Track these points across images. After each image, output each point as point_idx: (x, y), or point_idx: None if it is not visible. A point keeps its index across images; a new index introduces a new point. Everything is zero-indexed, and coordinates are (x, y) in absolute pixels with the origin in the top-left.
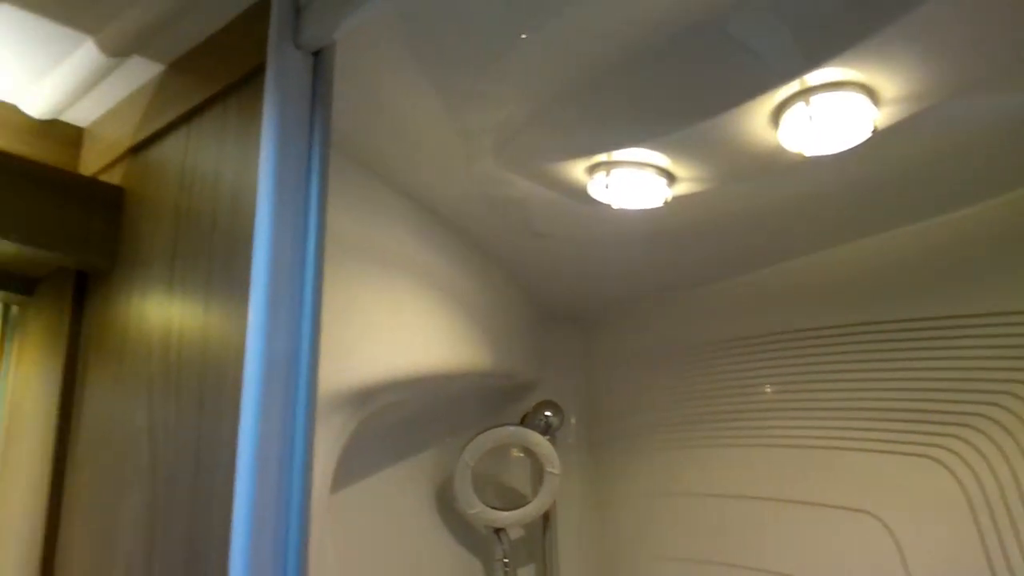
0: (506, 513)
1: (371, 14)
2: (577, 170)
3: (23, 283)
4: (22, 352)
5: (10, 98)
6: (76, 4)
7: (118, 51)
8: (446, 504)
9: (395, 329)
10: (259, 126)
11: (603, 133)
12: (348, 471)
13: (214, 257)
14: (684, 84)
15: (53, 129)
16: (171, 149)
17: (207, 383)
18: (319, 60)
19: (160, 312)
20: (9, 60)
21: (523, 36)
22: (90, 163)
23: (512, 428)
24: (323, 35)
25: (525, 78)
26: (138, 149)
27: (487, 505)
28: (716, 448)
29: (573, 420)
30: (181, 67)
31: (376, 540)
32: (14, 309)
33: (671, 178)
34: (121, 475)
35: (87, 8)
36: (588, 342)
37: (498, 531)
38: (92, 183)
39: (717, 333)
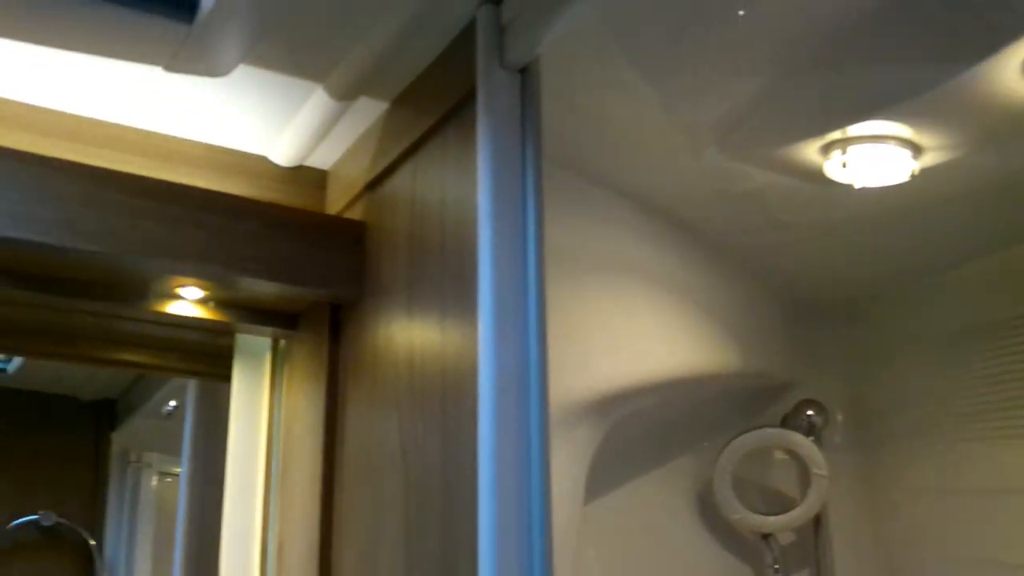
0: (772, 518)
1: (572, 23)
2: (810, 151)
3: (287, 319)
4: (291, 382)
5: (259, 150)
6: (301, 55)
7: (346, 95)
8: (708, 510)
9: (631, 335)
10: (475, 149)
11: (835, 108)
12: (602, 481)
13: (444, 279)
14: (921, 41)
15: (300, 175)
16: (401, 181)
17: (447, 401)
18: (525, 77)
19: (403, 336)
20: (253, 115)
21: (740, 13)
22: (334, 202)
23: (772, 430)
24: (527, 51)
25: (745, 60)
26: (373, 185)
27: (751, 510)
28: (1008, 440)
29: (839, 417)
30: (403, 102)
31: (638, 548)
32: (281, 343)
33: (916, 149)
34: (380, 494)
35: (311, 57)
36: (847, 335)
37: (766, 537)
38: (337, 221)
39: (996, 311)
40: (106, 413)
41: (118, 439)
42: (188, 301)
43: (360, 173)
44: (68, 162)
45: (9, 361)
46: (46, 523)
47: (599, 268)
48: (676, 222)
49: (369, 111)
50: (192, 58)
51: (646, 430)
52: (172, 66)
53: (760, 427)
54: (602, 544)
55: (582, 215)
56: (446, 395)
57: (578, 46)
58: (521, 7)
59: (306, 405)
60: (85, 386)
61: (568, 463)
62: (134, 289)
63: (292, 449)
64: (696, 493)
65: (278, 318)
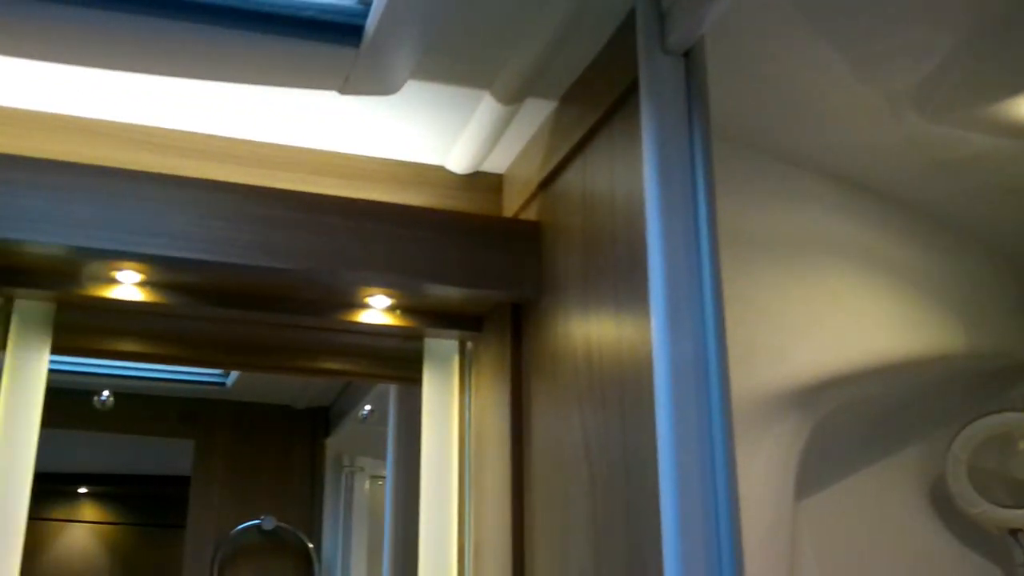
0: (1021, 511)
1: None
2: None
3: (471, 321)
4: (478, 382)
5: (435, 161)
6: (465, 65)
7: (513, 98)
8: (943, 505)
9: (834, 318)
10: (641, 139)
11: None
12: (817, 475)
13: (617, 272)
14: None
15: (477, 181)
16: (572, 178)
17: (626, 395)
18: (690, 60)
19: (580, 331)
20: (426, 127)
21: None
22: (510, 205)
23: (1013, 414)
24: (689, 34)
25: (942, 15)
26: (546, 184)
27: (995, 503)
28: None
29: None
30: (570, 99)
31: (864, 545)
32: (468, 345)
33: None
34: (566, 489)
35: (476, 66)
36: None
37: (1015, 532)
38: (513, 223)
39: None
40: (319, 420)
41: (331, 445)
42: (377, 310)
43: (533, 173)
44: (260, 187)
45: (227, 375)
46: (267, 527)
47: (792, 249)
48: (877, 195)
49: (538, 111)
50: (363, 80)
51: (864, 420)
52: (345, 89)
53: (996, 412)
54: (822, 542)
55: (768, 195)
56: (624, 389)
57: (755, 18)
58: None
59: (493, 404)
60: (299, 396)
61: (772, 457)
62: (327, 302)
63: (483, 448)
64: (927, 486)
65: (463, 321)
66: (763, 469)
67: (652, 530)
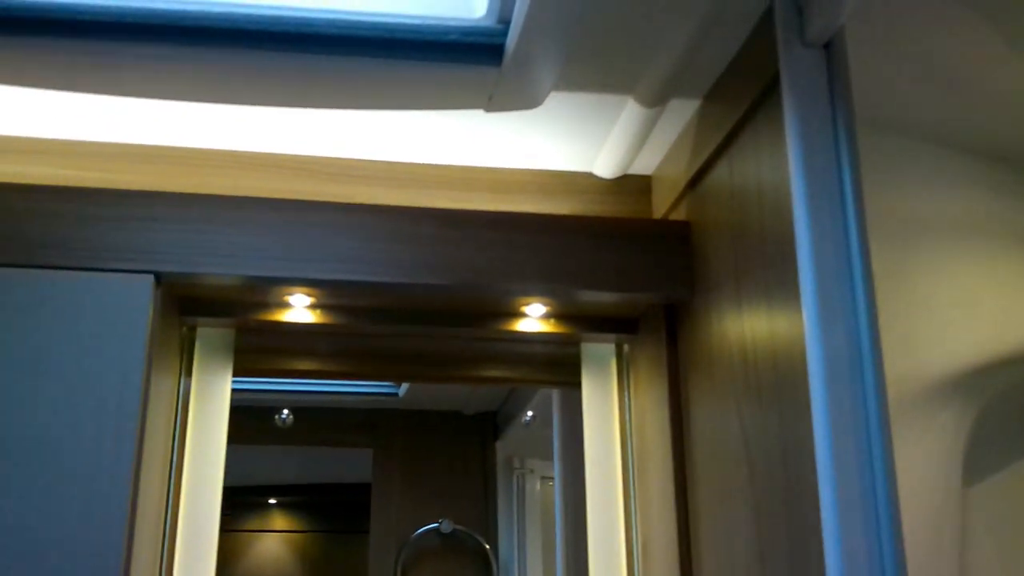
0: None
1: None
2: None
3: (626, 324)
4: (637, 383)
5: (583, 168)
6: (606, 72)
7: (655, 101)
8: None
9: (995, 302)
10: (784, 136)
11: None
12: (989, 459)
13: (768, 267)
14: None
15: (625, 184)
16: (719, 176)
17: (782, 389)
18: (830, 51)
19: (734, 328)
20: (571, 136)
21: None
22: (660, 206)
23: None
24: (828, 26)
25: None
26: (693, 183)
27: None
28: None
29: None
30: (713, 97)
31: None
32: (625, 348)
33: None
34: (727, 484)
35: (616, 72)
36: None
37: None
38: (664, 224)
39: None
40: (488, 425)
41: (501, 448)
42: (534, 318)
43: (680, 173)
44: (418, 208)
45: (399, 386)
46: (445, 530)
47: (946, 231)
48: None
49: (683, 111)
50: (507, 97)
51: None
52: (490, 107)
53: None
54: (998, 527)
55: (920, 178)
56: (780, 383)
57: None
58: None
59: (653, 404)
60: (467, 402)
61: (935, 444)
62: (485, 313)
63: (645, 448)
64: None
65: (618, 324)
66: (926, 456)
67: (813, 522)
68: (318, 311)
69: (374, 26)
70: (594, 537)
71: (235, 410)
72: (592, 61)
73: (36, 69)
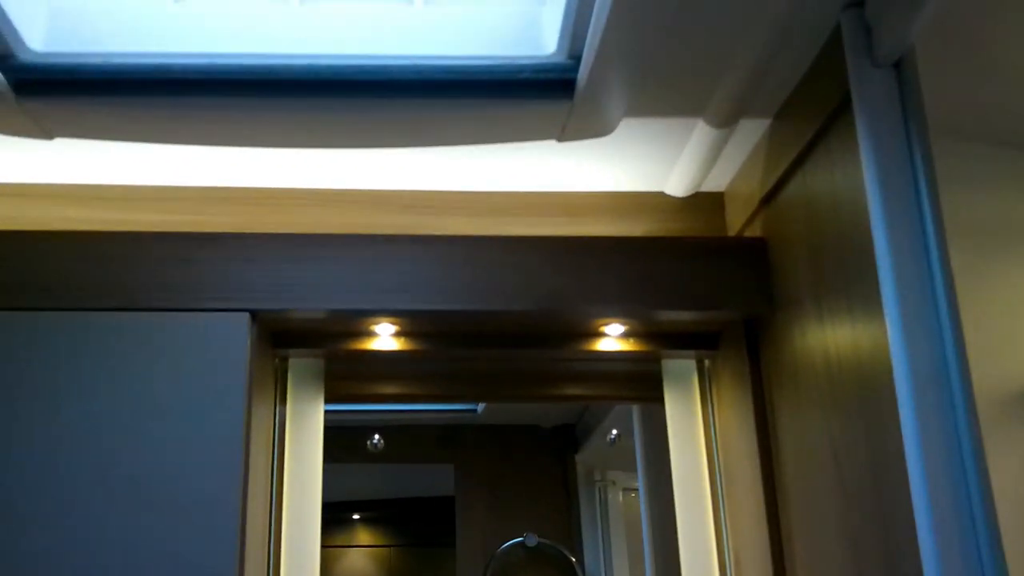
0: None
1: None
2: None
3: (706, 340)
4: (720, 398)
5: (655, 187)
6: (676, 97)
7: (726, 122)
8: None
9: None
10: (859, 151)
11: None
12: None
13: (848, 280)
14: None
15: (698, 201)
16: (793, 193)
17: (868, 401)
18: (900, 71)
19: (817, 342)
20: (643, 159)
21: None
22: (734, 222)
23: None
24: (897, 46)
25: None
26: (768, 200)
27: None
28: None
29: None
30: (784, 116)
31: None
32: (706, 363)
33: None
34: (818, 497)
35: (686, 97)
36: None
37: None
38: (739, 241)
39: None
40: (567, 438)
41: (581, 460)
42: (612, 337)
43: (754, 190)
44: (493, 237)
45: (477, 403)
46: (530, 544)
47: None
48: None
49: (753, 130)
50: (579, 128)
51: None
52: (563, 137)
53: None
54: None
55: (998, 184)
56: (867, 396)
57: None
58: (885, 3)
59: (738, 419)
60: (545, 415)
61: None
62: (564, 334)
63: (732, 461)
64: None
65: (698, 340)
66: (1021, 465)
67: (907, 534)
68: (403, 338)
69: (449, 69)
70: (686, 552)
71: (325, 429)
72: (661, 88)
73: (136, 125)
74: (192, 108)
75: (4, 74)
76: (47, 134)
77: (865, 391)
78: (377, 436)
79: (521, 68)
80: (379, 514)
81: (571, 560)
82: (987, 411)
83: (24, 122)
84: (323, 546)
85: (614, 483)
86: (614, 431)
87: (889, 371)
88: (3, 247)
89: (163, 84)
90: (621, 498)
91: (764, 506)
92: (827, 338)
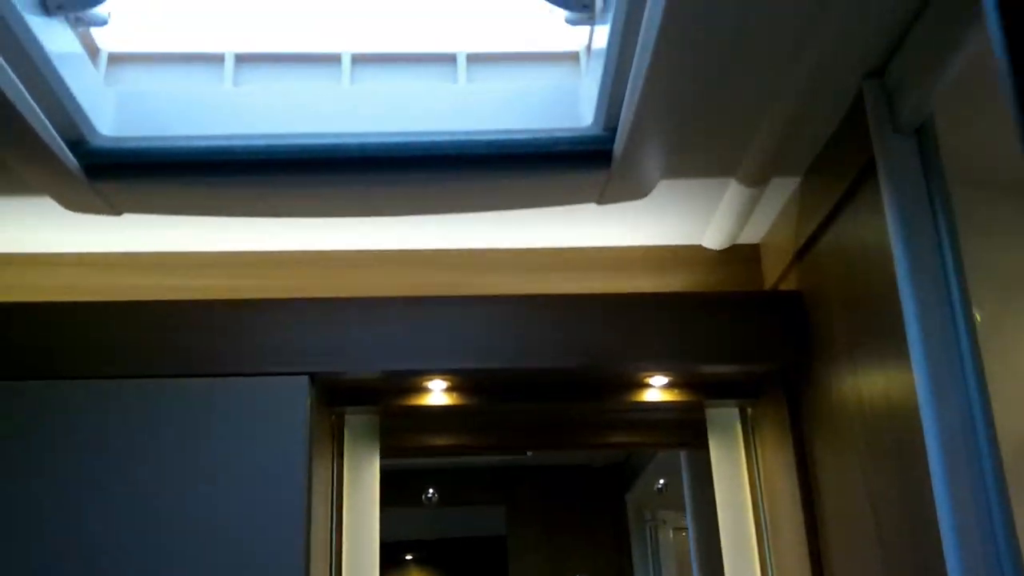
0: None
1: (958, 70)
2: None
3: (749, 388)
4: (763, 444)
5: (692, 241)
6: (708, 160)
7: (757, 181)
8: None
9: None
10: (884, 210)
11: None
12: None
13: (878, 333)
14: None
15: (734, 253)
16: (825, 248)
17: (901, 451)
18: (922, 136)
19: (851, 391)
20: (680, 215)
21: None
22: (770, 274)
23: None
24: (918, 112)
25: None
26: (801, 254)
27: None
28: None
29: None
30: (813, 174)
31: None
32: (749, 410)
33: None
34: (857, 543)
35: (718, 158)
36: None
37: None
38: (775, 295)
39: None
40: (617, 477)
41: (631, 499)
42: (657, 388)
43: (787, 243)
44: (539, 296)
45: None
46: None
47: None
48: None
49: (785, 186)
50: (616, 192)
51: None
52: (602, 201)
53: None
54: None
55: (1019, 235)
56: (898, 445)
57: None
58: (904, 73)
59: (780, 465)
60: (595, 455)
61: None
62: (609, 386)
63: (776, 506)
64: None
65: (740, 389)
66: None
67: None
68: (454, 393)
69: (490, 144)
70: None
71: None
72: (694, 153)
73: (199, 202)
74: (251, 185)
75: (77, 158)
76: (116, 211)
77: (897, 439)
78: (431, 491)
79: (558, 141)
80: (431, 554)
81: None
82: (1013, 463)
83: (94, 201)
84: None
85: (665, 522)
86: (662, 480)
87: (919, 422)
88: (71, 316)
89: (224, 165)
90: (672, 537)
91: (807, 550)
92: (861, 387)
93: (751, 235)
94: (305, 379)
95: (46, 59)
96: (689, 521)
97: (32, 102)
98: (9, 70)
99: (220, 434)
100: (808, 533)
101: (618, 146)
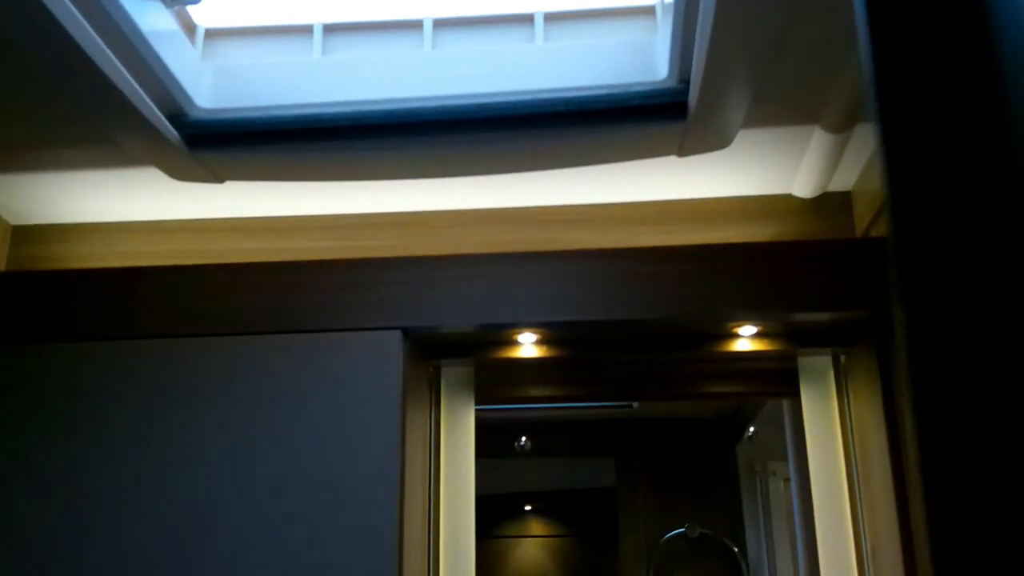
0: None
1: None
2: None
3: (840, 337)
4: (855, 392)
5: (781, 190)
6: (790, 107)
7: (842, 127)
8: None
9: None
10: None
11: None
12: None
13: None
14: None
15: (825, 202)
16: None
17: None
18: None
19: None
20: (767, 164)
21: None
22: (861, 220)
23: None
24: None
25: None
26: None
27: None
28: None
29: None
30: None
31: None
32: (842, 359)
33: None
34: None
35: (799, 106)
36: None
37: None
38: (865, 242)
39: None
40: (727, 429)
41: (741, 451)
42: (747, 338)
43: (878, 190)
44: (622, 249)
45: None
46: (692, 535)
47: None
48: None
49: (871, 132)
50: (696, 143)
51: None
52: (682, 153)
53: None
54: None
55: None
56: None
57: None
58: None
59: (872, 414)
60: (705, 407)
61: None
62: (699, 337)
63: (867, 457)
64: None
65: (832, 337)
66: None
67: None
68: (544, 346)
69: (567, 101)
70: (824, 544)
71: (484, 428)
72: (772, 102)
73: (294, 167)
74: (341, 150)
75: (178, 130)
76: (218, 179)
77: None
78: (524, 438)
79: (632, 95)
80: (549, 505)
81: (733, 550)
82: None
83: (197, 170)
84: (497, 536)
85: (775, 473)
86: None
87: None
88: (185, 280)
89: (315, 132)
90: (782, 488)
91: (895, 500)
92: None
93: (842, 182)
94: (398, 333)
95: (144, 40)
96: (791, 471)
97: (132, 81)
98: (110, 53)
99: (317, 388)
100: (895, 484)
101: (692, 97)
